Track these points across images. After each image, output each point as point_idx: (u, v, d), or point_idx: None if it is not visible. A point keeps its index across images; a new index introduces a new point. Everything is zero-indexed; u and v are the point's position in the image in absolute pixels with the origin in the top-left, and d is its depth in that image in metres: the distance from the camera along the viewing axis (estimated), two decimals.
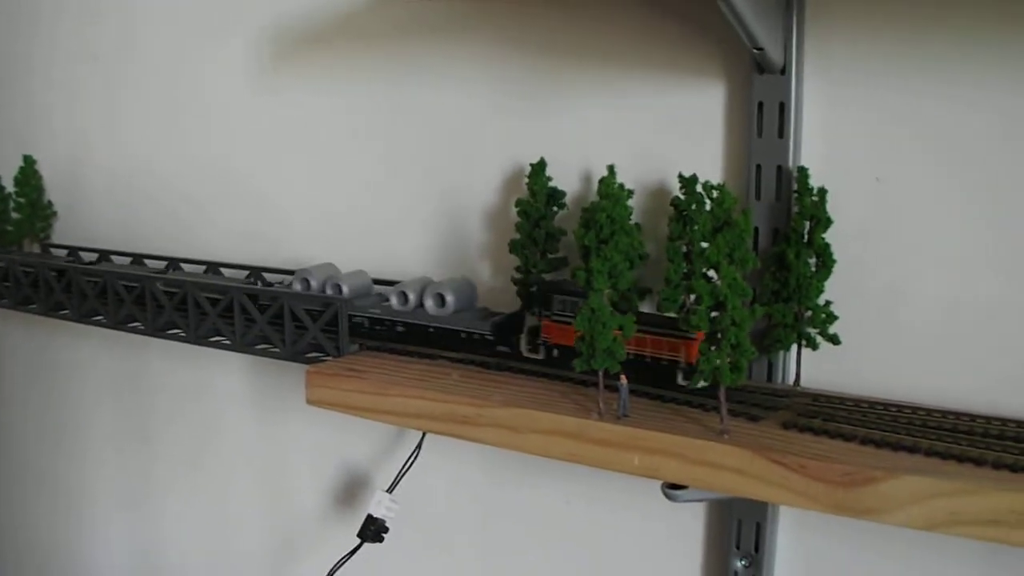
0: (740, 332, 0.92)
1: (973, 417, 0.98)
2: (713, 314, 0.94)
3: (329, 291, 1.31)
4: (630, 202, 1.10)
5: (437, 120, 1.38)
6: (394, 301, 1.28)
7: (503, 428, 1.06)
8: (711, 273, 0.95)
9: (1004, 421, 0.96)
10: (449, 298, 1.24)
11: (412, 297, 1.27)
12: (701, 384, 0.97)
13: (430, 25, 1.36)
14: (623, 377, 0.99)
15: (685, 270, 1.01)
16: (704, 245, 0.98)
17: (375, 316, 1.28)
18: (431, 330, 1.24)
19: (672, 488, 0.98)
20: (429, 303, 1.25)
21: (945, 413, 0.99)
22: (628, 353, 1.01)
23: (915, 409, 1.00)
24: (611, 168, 1.12)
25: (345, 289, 1.31)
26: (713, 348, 0.93)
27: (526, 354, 1.17)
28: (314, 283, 1.33)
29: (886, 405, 1.02)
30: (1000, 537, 0.82)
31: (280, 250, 1.58)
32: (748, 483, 0.92)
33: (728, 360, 0.93)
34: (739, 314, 0.92)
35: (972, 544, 0.85)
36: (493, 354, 1.20)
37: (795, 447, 0.92)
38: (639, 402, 1.05)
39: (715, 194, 0.95)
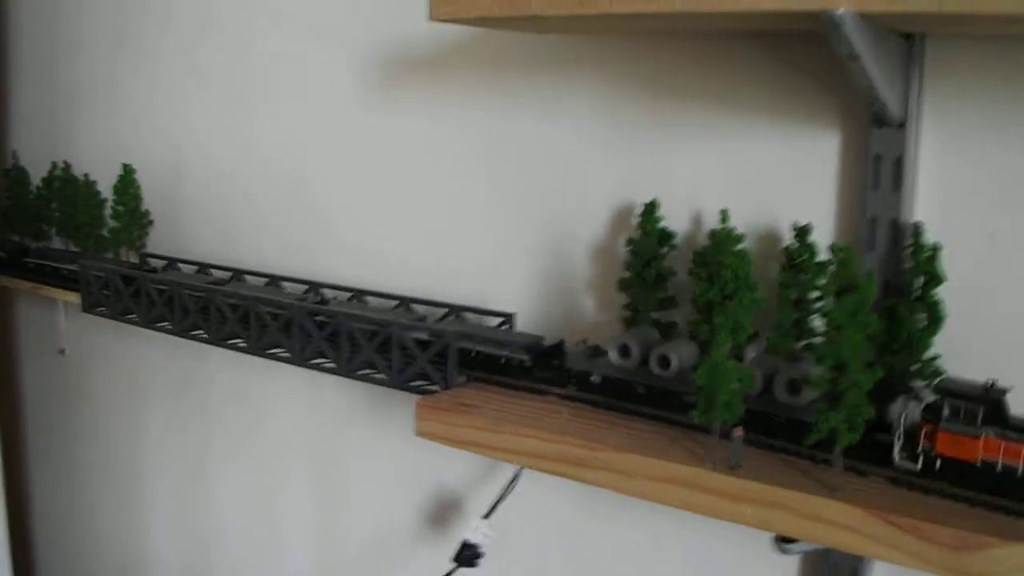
0: (859, 393, 0.96)
1: None
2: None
3: (654, 365, 1.19)
4: (744, 246, 1.15)
5: (542, 152, 1.43)
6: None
7: (616, 472, 1.10)
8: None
9: None
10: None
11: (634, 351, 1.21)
12: (815, 440, 1.00)
13: (538, 58, 1.41)
14: (739, 429, 1.03)
15: (795, 316, 1.05)
16: (818, 301, 1.02)
17: (609, 376, 1.23)
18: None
19: (784, 542, 1.01)
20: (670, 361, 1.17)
21: None
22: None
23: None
24: (724, 213, 1.16)
25: (674, 361, 1.17)
26: (831, 409, 0.97)
27: (898, 461, 1.04)
28: (634, 349, 1.22)
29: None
30: None
31: (380, 274, 1.62)
32: (860, 541, 0.96)
33: (844, 421, 0.96)
34: (860, 376, 0.95)
35: None
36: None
37: (906, 507, 0.95)
38: (750, 451, 1.08)
39: (841, 255, 0.98)
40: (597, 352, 1.29)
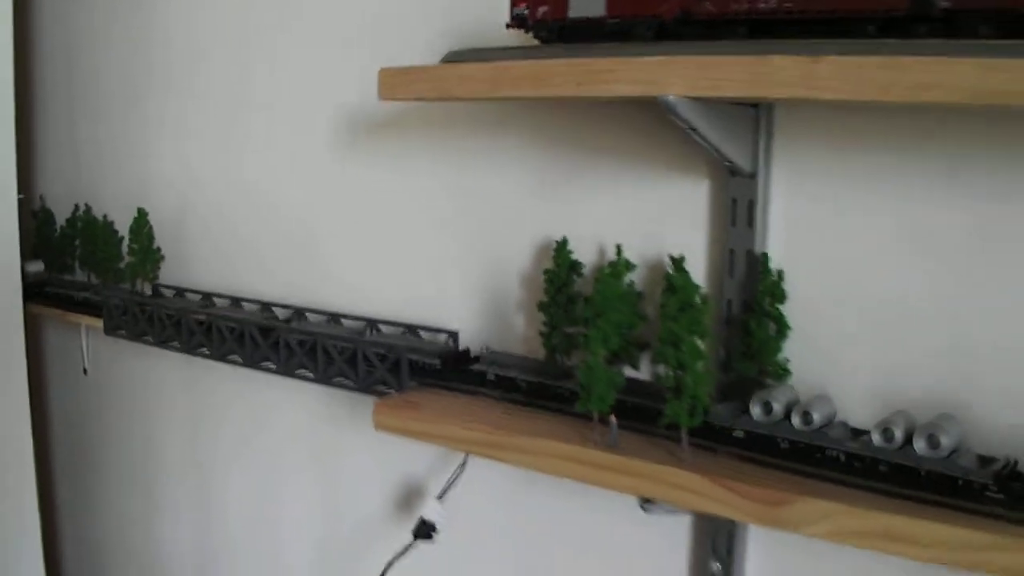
0: (697, 388, 1.27)
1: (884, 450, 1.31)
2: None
3: (796, 419, 1.31)
4: (634, 275, 1.47)
5: (482, 198, 1.75)
6: (877, 438, 1.25)
7: (525, 453, 1.42)
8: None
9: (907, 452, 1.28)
10: (945, 440, 1.21)
11: (899, 435, 1.24)
12: (666, 423, 1.31)
13: (479, 120, 1.73)
14: (613, 416, 1.35)
15: None
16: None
17: (854, 452, 1.26)
18: (921, 473, 1.21)
19: (646, 502, 1.33)
20: (920, 444, 1.22)
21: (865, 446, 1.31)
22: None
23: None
24: (619, 247, 1.48)
25: (816, 417, 1.30)
26: (675, 399, 1.28)
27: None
28: (777, 406, 1.34)
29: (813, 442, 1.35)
30: (887, 549, 1.15)
31: (353, 299, 1.95)
32: (700, 500, 1.27)
33: (688, 407, 1.28)
34: (696, 375, 1.27)
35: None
36: (988, 503, 1.16)
37: (736, 474, 1.27)
38: (633, 435, 1.40)
39: (678, 280, 1.30)
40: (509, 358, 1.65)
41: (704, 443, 1.36)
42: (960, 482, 1.17)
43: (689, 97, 1.23)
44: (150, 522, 2.57)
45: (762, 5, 1.22)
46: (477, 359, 1.70)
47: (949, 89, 1.03)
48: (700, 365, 1.28)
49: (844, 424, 1.31)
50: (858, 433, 1.28)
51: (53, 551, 2.76)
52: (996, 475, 1.16)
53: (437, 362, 1.66)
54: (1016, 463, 1.20)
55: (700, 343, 1.28)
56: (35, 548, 2.46)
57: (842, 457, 1.26)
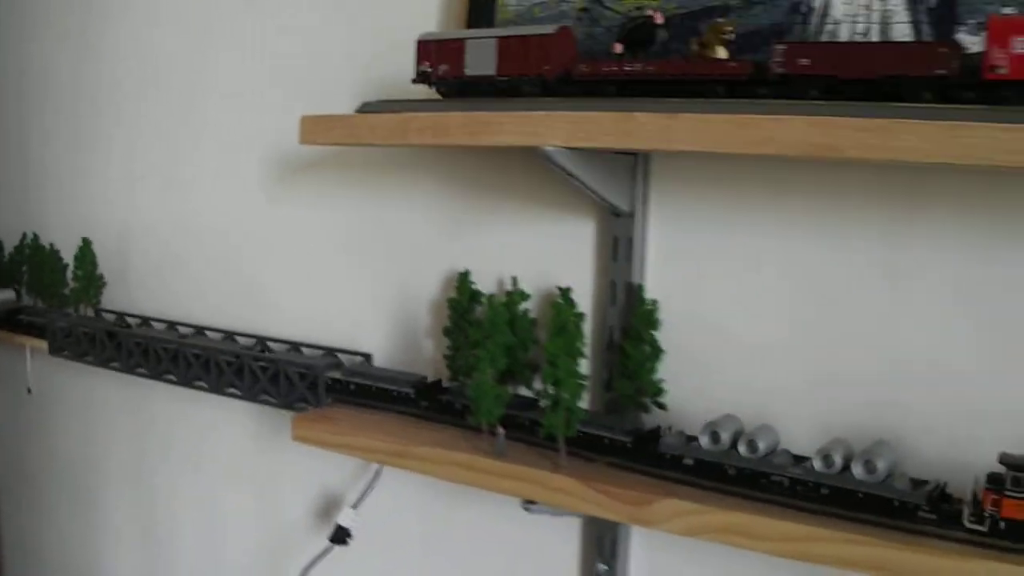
0: (571, 402, 1.45)
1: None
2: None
3: (743, 447, 1.41)
4: (529, 303, 1.65)
5: (397, 233, 1.93)
6: (818, 463, 1.35)
7: (423, 460, 1.60)
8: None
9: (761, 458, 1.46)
10: (881, 465, 1.31)
11: (838, 460, 1.34)
12: (546, 434, 1.49)
13: (393, 162, 1.91)
14: (500, 428, 1.52)
15: None
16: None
17: (798, 477, 1.36)
18: (860, 495, 1.31)
19: (528, 503, 1.50)
20: (858, 469, 1.32)
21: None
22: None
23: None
24: (515, 279, 1.67)
25: (761, 445, 1.40)
26: (552, 412, 1.46)
27: (968, 524, 1.23)
28: (724, 435, 1.44)
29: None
30: (729, 541, 1.33)
31: (279, 323, 2.13)
32: (575, 502, 1.45)
33: (563, 420, 1.45)
34: (571, 390, 1.44)
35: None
36: (921, 522, 1.27)
37: (606, 478, 1.45)
38: (520, 448, 1.57)
39: (556, 307, 1.48)
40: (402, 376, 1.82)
41: (583, 453, 1.54)
42: (896, 504, 1.28)
43: (567, 147, 1.40)
44: (91, 535, 2.71)
45: (628, 68, 1.41)
46: None
47: (782, 143, 1.22)
48: (574, 382, 1.45)
49: (787, 451, 1.43)
50: (800, 459, 1.40)
51: None
52: (928, 496, 1.28)
53: (355, 380, 1.83)
54: (944, 486, 1.33)
55: (574, 363, 1.46)
56: None
57: (786, 482, 1.37)
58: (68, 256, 2.49)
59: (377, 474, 1.89)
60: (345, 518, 1.90)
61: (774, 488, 1.37)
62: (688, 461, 1.44)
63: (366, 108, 1.66)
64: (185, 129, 2.31)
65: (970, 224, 1.36)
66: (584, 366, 1.53)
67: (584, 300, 1.66)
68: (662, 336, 1.58)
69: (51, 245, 2.55)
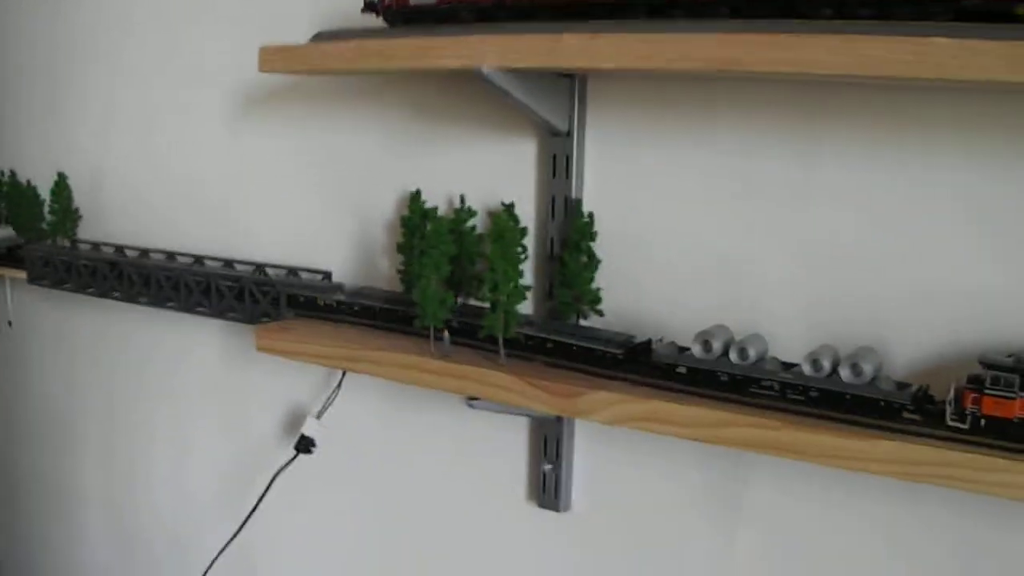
0: (509, 305, 1.57)
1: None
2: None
3: (733, 355, 1.46)
4: (476, 220, 1.77)
5: (353, 158, 2.04)
6: (807, 368, 1.40)
7: (374, 363, 1.72)
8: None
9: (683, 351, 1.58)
10: (867, 368, 1.36)
11: (826, 365, 1.39)
12: (484, 334, 1.61)
13: (348, 91, 2.02)
14: (445, 331, 1.64)
15: None
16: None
17: (788, 381, 1.42)
18: (847, 397, 1.37)
19: (471, 399, 1.63)
20: (846, 372, 1.37)
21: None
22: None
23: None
24: (462, 196, 1.78)
25: (752, 353, 1.45)
26: (492, 314, 1.58)
27: (950, 423, 1.28)
28: (716, 344, 1.48)
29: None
30: (650, 428, 1.45)
31: (246, 246, 2.25)
32: (512, 395, 1.56)
33: (502, 321, 1.57)
34: (509, 294, 1.56)
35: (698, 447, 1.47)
36: (906, 422, 1.32)
37: (541, 375, 1.57)
38: (465, 351, 1.70)
39: (496, 217, 1.59)
40: (361, 291, 1.94)
41: (522, 354, 1.66)
42: (882, 404, 1.34)
43: (501, 68, 1.51)
44: (66, 459, 2.84)
45: None
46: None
47: (693, 59, 1.33)
48: (511, 286, 1.57)
49: (775, 358, 1.47)
50: (789, 365, 1.45)
51: None
52: (912, 397, 1.33)
53: (314, 294, 1.95)
54: (927, 388, 1.37)
55: (512, 269, 1.57)
56: None
57: (776, 386, 1.42)
58: (44, 192, 2.59)
59: (339, 385, 2.01)
60: (309, 428, 2.03)
61: (765, 393, 1.43)
62: (681, 370, 1.50)
63: (319, 37, 1.77)
64: (151, 66, 2.42)
65: (880, 138, 1.47)
66: (528, 275, 1.68)
67: (528, 215, 1.78)
68: (599, 247, 1.70)
69: (28, 181, 2.65)
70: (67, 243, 2.52)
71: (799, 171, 1.54)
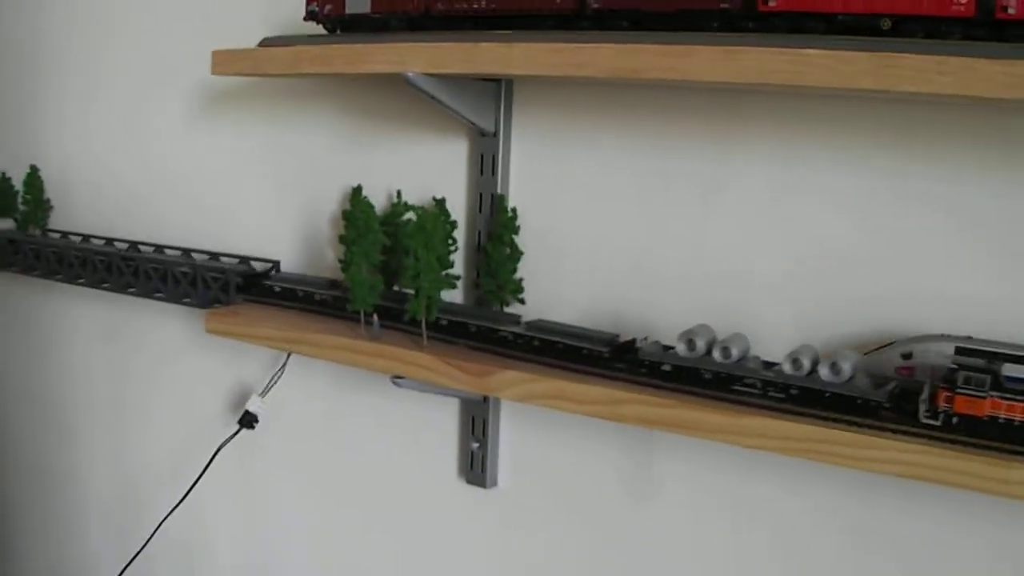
0: (432, 291, 1.71)
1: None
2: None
3: (717, 353, 1.51)
4: (410, 214, 1.90)
5: (301, 155, 2.19)
6: (787, 367, 1.47)
7: (312, 345, 1.86)
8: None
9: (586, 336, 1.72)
10: (846, 366, 1.42)
11: (806, 364, 1.46)
12: (408, 318, 1.75)
13: (299, 91, 2.16)
14: (375, 315, 1.78)
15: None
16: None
17: (769, 379, 1.47)
18: (826, 395, 1.42)
19: (397, 378, 1.77)
20: (824, 371, 1.42)
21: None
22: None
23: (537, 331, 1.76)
24: (399, 192, 1.92)
25: (735, 352, 1.51)
26: (415, 299, 1.72)
27: (924, 420, 1.34)
28: (700, 343, 1.54)
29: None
30: (555, 405, 1.58)
31: (201, 236, 2.39)
32: (432, 375, 1.70)
33: (424, 305, 1.71)
34: (429, 280, 1.70)
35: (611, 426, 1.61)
36: (883, 419, 1.37)
37: (460, 355, 1.71)
38: (394, 334, 1.83)
39: (421, 212, 1.73)
40: (305, 279, 2.08)
41: (444, 337, 1.79)
42: (859, 402, 1.39)
43: (427, 73, 1.65)
44: (36, 432, 2.97)
45: (476, 5, 1.65)
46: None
47: (595, 67, 1.46)
48: (433, 274, 1.71)
49: (758, 357, 1.54)
50: (769, 364, 1.52)
51: None
52: (889, 395, 1.39)
53: (240, 281, 2.11)
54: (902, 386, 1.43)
55: (433, 257, 1.71)
56: None
57: (759, 384, 1.48)
58: (17, 183, 2.72)
59: (283, 366, 2.15)
60: (253, 404, 2.18)
61: (747, 391, 1.48)
62: (666, 367, 1.55)
63: (265, 42, 1.91)
64: (116, 65, 2.56)
65: (783, 138, 1.60)
66: (459, 266, 1.87)
67: (459, 210, 1.92)
68: (522, 240, 1.84)
69: (3, 174, 2.78)
70: (38, 232, 2.65)
71: (710, 170, 1.67)
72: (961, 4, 1.25)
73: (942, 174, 1.47)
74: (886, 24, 1.31)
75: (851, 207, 1.55)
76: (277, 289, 2.07)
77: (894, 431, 1.34)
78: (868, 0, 1.31)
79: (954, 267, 1.48)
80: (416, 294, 1.72)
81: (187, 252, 2.33)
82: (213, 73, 1.93)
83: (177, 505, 2.35)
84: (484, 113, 1.83)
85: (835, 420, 1.39)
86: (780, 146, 1.60)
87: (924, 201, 1.49)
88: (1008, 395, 1.30)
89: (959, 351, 1.37)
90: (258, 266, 2.20)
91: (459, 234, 1.91)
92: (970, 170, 1.45)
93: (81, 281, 2.37)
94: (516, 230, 1.84)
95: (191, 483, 2.32)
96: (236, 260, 2.23)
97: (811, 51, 1.29)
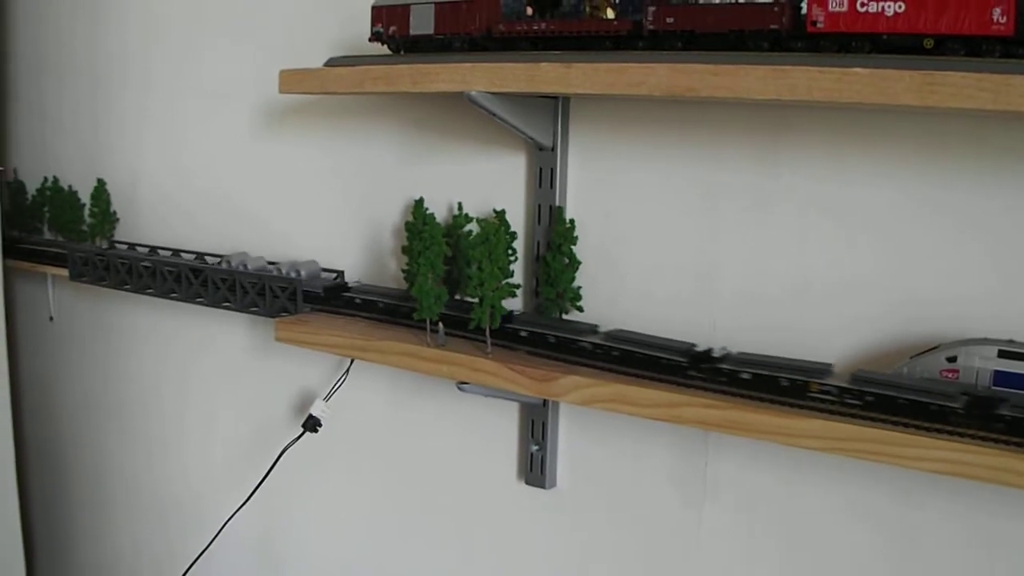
0: (495, 299, 1.82)
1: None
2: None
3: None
4: (471, 225, 2.01)
5: (364, 168, 2.31)
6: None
7: (378, 352, 1.97)
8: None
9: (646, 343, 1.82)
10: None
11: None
12: (473, 326, 1.86)
13: (361, 109, 2.28)
14: (440, 324, 1.90)
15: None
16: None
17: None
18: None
19: (462, 384, 1.88)
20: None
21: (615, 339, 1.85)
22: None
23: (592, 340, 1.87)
24: (459, 204, 2.03)
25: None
26: (479, 308, 1.83)
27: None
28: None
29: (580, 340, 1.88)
30: (616, 408, 1.68)
31: (267, 246, 2.52)
32: (496, 380, 1.81)
33: (488, 314, 1.82)
34: (494, 289, 1.81)
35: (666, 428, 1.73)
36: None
37: (523, 361, 1.81)
38: (458, 341, 1.94)
39: (484, 224, 1.84)
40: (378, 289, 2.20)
41: (507, 344, 1.90)
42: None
43: (488, 92, 1.76)
44: (105, 438, 3.11)
45: (536, 27, 1.76)
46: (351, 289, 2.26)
47: (651, 86, 1.57)
48: (495, 283, 1.82)
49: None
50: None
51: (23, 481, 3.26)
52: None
53: (322, 292, 2.21)
54: None
55: (496, 267, 1.82)
56: (9, 479, 2.96)
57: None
58: (84, 197, 2.87)
59: (346, 372, 2.27)
60: (316, 409, 2.30)
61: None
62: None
63: (331, 62, 2.03)
64: (183, 83, 2.71)
65: (829, 151, 1.70)
66: (519, 275, 1.97)
67: (518, 221, 2.03)
68: (579, 250, 1.94)
69: (69, 187, 2.92)
70: (105, 244, 2.79)
71: (760, 181, 1.77)
72: (1001, 24, 1.35)
73: (986, 187, 1.57)
74: (929, 43, 1.41)
75: (898, 218, 1.64)
76: (342, 298, 2.18)
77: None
78: (911, 21, 1.41)
79: (992, 275, 1.57)
80: (480, 303, 1.83)
81: (253, 264, 2.45)
82: (281, 92, 2.05)
83: (241, 506, 2.48)
84: (542, 128, 1.94)
85: (910, 425, 1.46)
86: (827, 158, 1.70)
87: (966, 212, 1.58)
88: None
89: (1002, 354, 1.47)
90: (323, 276, 2.32)
91: (518, 244, 2.02)
92: (1012, 183, 1.55)
93: (150, 291, 2.50)
94: (574, 240, 1.94)
95: (255, 485, 2.44)
96: (300, 271, 2.34)
97: (857, 70, 1.38)
